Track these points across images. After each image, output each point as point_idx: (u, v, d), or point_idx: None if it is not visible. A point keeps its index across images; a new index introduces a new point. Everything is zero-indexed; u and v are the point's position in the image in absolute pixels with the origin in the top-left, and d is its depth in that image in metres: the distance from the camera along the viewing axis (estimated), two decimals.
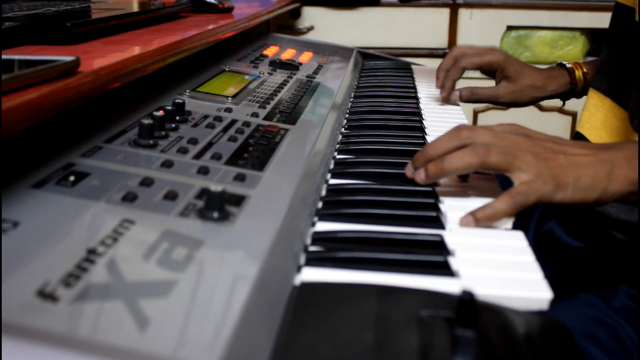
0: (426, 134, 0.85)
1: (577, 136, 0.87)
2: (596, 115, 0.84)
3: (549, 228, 0.87)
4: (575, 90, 1.02)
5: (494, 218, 0.56)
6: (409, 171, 0.64)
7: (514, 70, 1.00)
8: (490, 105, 1.90)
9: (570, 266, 0.80)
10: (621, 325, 0.65)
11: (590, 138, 0.84)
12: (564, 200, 0.56)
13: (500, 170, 0.58)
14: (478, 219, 0.56)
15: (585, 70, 1.01)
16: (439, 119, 0.94)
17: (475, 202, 0.60)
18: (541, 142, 0.60)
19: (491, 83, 1.05)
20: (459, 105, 1.05)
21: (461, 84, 1.08)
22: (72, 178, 0.48)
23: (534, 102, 1.02)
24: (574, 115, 1.88)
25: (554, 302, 0.46)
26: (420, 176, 0.61)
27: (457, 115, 0.99)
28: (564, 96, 1.04)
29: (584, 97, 0.88)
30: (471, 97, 1.03)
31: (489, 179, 0.67)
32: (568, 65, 1.02)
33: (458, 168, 0.58)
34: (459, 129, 0.61)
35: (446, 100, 1.04)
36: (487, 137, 0.59)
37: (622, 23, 0.83)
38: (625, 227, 0.74)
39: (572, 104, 1.83)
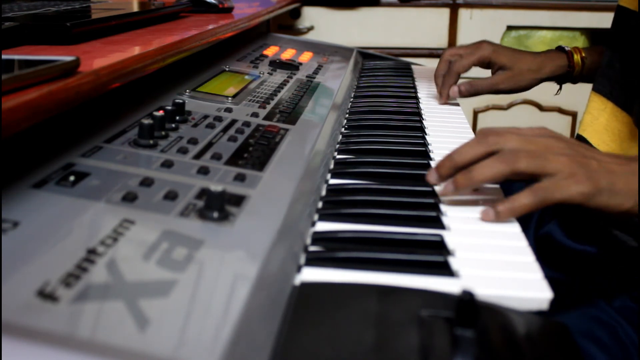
0: (426, 134, 0.85)
1: (578, 139, 0.87)
2: (598, 119, 0.84)
3: (548, 230, 0.86)
4: (572, 74, 1.01)
5: (515, 212, 0.55)
6: (432, 177, 0.60)
7: (507, 59, 1.00)
8: (490, 105, 1.90)
9: (569, 268, 0.80)
10: (621, 325, 0.65)
11: (592, 142, 0.83)
12: (600, 204, 0.54)
13: (532, 175, 0.55)
14: (499, 212, 0.55)
15: (584, 54, 1.00)
16: (439, 119, 0.94)
17: (476, 200, 0.60)
18: (573, 145, 0.57)
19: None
20: (458, 105, 1.05)
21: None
22: (72, 178, 0.48)
23: (533, 85, 1.02)
24: (574, 115, 1.88)
25: (553, 302, 0.46)
26: (448, 188, 0.59)
27: (457, 115, 0.99)
28: (561, 79, 1.03)
29: (586, 99, 0.88)
30: (471, 90, 1.02)
31: None
32: (567, 49, 1.02)
33: (488, 178, 0.56)
34: (485, 133, 0.58)
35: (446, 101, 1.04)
36: (515, 142, 0.56)
37: (624, 26, 0.82)
38: (625, 228, 0.74)
39: (572, 103, 1.85)
